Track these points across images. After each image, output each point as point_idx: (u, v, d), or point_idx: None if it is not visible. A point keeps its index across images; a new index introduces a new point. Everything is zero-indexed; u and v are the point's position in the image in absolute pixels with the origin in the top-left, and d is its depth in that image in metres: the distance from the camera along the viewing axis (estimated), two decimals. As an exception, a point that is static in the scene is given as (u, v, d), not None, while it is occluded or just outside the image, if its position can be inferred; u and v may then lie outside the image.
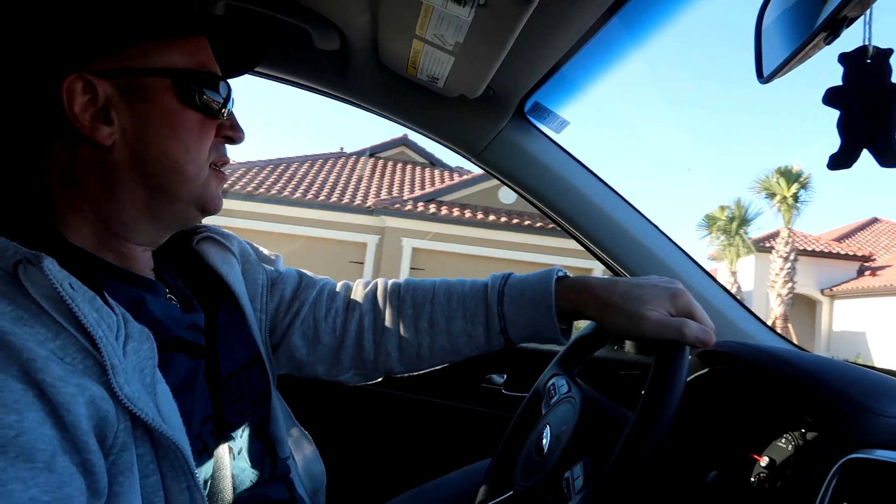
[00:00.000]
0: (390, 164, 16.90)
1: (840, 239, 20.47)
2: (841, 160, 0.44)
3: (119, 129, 0.60)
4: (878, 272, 17.79)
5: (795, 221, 16.58)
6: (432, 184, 15.56)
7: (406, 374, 0.88)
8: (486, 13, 0.81)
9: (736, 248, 16.73)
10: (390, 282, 0.90)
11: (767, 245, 17.82)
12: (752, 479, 0.79)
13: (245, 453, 0.70)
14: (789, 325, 15.77)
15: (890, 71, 0.44)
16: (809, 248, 18.24)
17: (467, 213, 14.04)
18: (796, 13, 0.54)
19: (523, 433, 0.89)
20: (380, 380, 0.91)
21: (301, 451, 0.89)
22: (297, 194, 13.50)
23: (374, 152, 17.09)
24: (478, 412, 1.49)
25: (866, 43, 0.45)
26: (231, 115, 0.70)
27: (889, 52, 0.44)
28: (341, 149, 17.93)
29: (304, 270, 0.94)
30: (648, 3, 0.88)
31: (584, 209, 1.22)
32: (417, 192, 14.67)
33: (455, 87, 1.10)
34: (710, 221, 17.39)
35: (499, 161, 1.23)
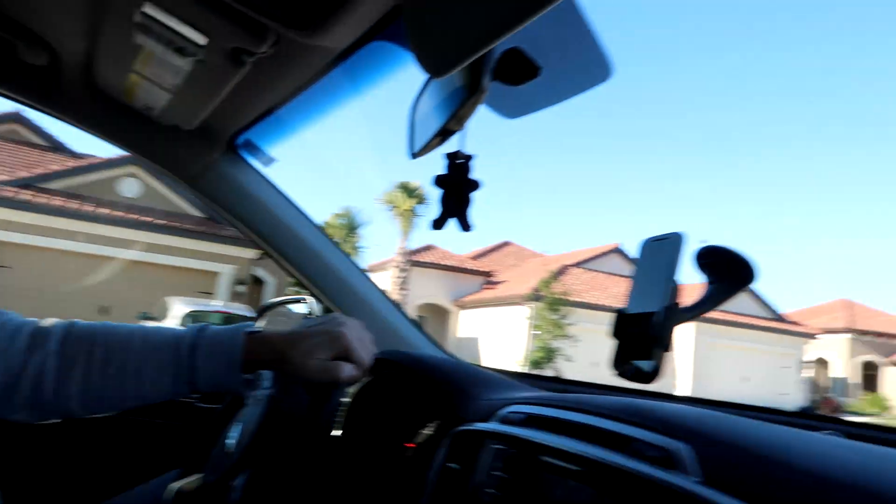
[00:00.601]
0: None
1: (476, 258, 26.10)
2: (438, 223, 0.68)
3: None
4: (495, 286, 22.86)
5: (412, 234, 18.28)
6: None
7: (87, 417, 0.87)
8: (204, 66, 0.92)
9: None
10: (84, 324, 0.89)
11: (416, 259, 21.21)
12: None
13: None
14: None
15: (469, 169, 0.69)
16: (446, 263, 22.94)
17: (75, 205, 12.82)
18: (429, 115, 0.78)
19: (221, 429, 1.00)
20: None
21: None
22: None
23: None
24: (171, 426, 1.53)
25: (459, 149, 0.70)
26: None
27: (470, 156, 0.69)
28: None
29: None
30: (370, 61, 0.96)
31: (287, 238, 1.37)
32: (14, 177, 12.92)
33: (170, 118, 1.18)
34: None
35: (212, 190, 1.33)
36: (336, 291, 1.39)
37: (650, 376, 0.63)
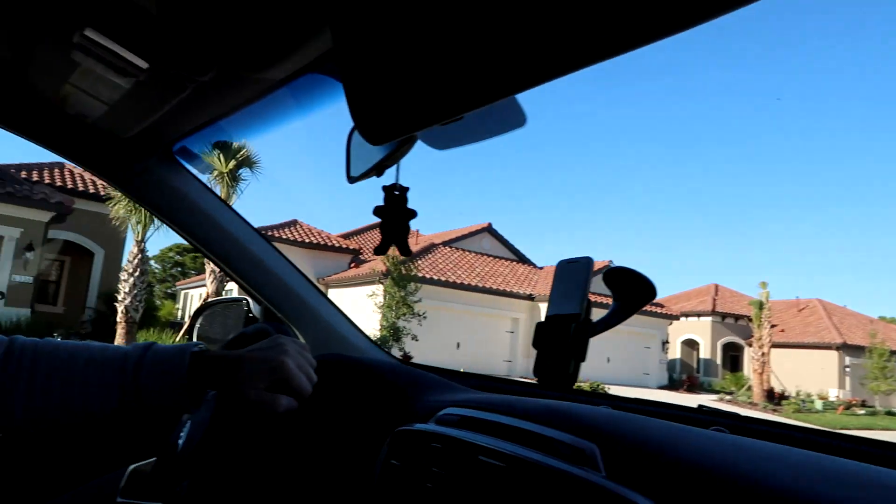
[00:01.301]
0: None
1: (348, 236, 26.05)
2: (380, 249, 0.75)
3: None
4: (360, 265, 22.89)
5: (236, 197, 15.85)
6: None
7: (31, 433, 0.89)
8: (143, 87, 0.95)
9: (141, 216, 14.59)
10: (26, 342, 0.89)
11: (277, 234, 21.14)
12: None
13: None
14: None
15: (406, 200, 0.76)
16: (314, 242, 22.62)
17: None
18: (364, 146, 0.84)
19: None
20: None
21: None
22: None
23: None
24: (121, 425, 1.54)
25: (396, 181, 0.76)
26: None
27: (406, 188, 0.76)
28: None
29: None
30: (307, 91, 0.98)
31: (223, 240, 1.40)
32: None
33: (104, 125, 1.19)
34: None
35: (147, 193, 1.34)
36: (277, 295, 1.44)
37: (567, 382, 0.72)
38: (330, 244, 23.01)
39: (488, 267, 24.59)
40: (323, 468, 1.06)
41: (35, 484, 1.44)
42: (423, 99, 0.48)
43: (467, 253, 24.67)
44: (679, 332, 31.92)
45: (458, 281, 21.83)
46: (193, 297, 31.00)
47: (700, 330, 31.85)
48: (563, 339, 0.73)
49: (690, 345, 32.55)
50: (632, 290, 0.74)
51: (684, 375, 29.80)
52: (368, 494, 0.87)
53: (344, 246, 23.08)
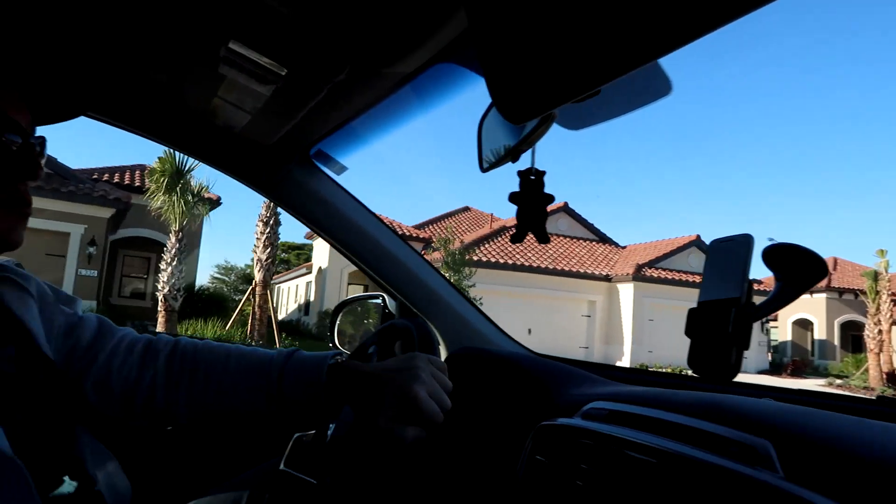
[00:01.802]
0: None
1: (421, 227, 25.64)
2: (517, 237, 0.72)
3: None
4: (430, 254, 22.27)
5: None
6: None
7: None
8: (282, 92, 0.99)
9: (177, 207, 14.35)
10: (189, 342, 0.96)
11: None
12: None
13: (57, 471, 0.78)
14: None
15: (543, 185, 0.73)
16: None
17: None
18: (499, 133, 0.82)
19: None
20: None
21: (104, 468, 0.94)
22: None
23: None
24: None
25: (532, 165, 0.74)
26: (25, 151, 0.76)
27: (543, 173, 0.73)
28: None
29: (105, 318, 0.98)
30: (436, 81, 0.99)
31: (360, 238, 1.45)
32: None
33: (249, 134, 1.26)
34: (151, 176, 14.67)
35: (288, 197, 1.41)
36: (411, 289, 1.46)
37: (728, 373, 0.66)
38: (402, 234, 22.99)
39: (563, 248, 23.63)
40: (464, 463, 1.06)
41: (203, 473, 1.57)
42: (562, 71, 0.45)
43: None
44: (789, 311, 28.73)
45: (529, 264, 21.17)
46: (283, 290, 32.53)
47: (814, 308, 28.24)
48: (721, 325, 0.66)
49: (803, 325, 29.11)
50: (798, 269, 0.66)
51: (789, 357, 26.99)
52: (513, 490, 0.86)
53: (415, 235, 22.97)
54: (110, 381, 0.91)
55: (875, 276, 21.55)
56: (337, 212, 1.43)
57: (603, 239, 25.90)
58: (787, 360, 26.66)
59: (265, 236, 15.37)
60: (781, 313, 28.15)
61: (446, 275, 17.63)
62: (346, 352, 1.70)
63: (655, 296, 21.77)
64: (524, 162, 0.74)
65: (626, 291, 22.05)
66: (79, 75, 1.08)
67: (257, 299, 15.41)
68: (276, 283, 35.64)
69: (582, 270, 22.14)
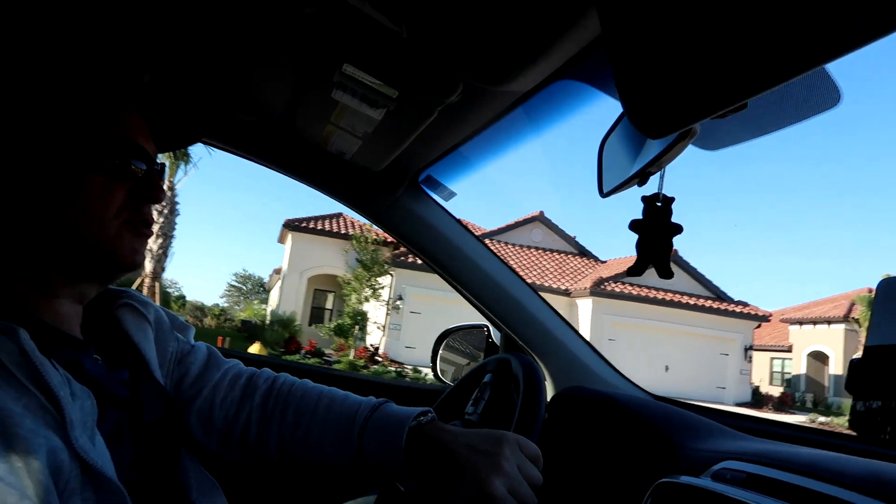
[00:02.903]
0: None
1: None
2: (635, 270, 0.65)
3: (36, 196, 0.69)
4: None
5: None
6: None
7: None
8: (393, 116, 0.98)
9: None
10: (286, 382, 0.95)
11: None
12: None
13: (161, 496, 0.78)
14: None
15: (670, 213, 0.65)
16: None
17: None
18: (623, 155, 0.75)
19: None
20: None
21: (208, 497, 0.93)
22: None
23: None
24: None
25: (659, 191, 0.66)
26: (148, 176, 0.78)
27: (671, 199, 0.65)
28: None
29: (215, 348, 1.00)
30: (552, 100, 0.95)
31: (466, 267, 1.41)
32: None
33: (360, 161, 1.27)
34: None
35: (396, 224, 1.40)
36: (518, 322, 1.39)
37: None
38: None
39: (531, 260, 21.75)
40: None
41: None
42: (707, 80, 0.39)
43: (509, 246, 21.88)
44: (804, 342, 25.90)
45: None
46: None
47: (831, 340, 25.04)
48: (893, 377, 0.55)
49: (819, 358, 25.81)
50: None
51: (810, 394, 23.95)
52: None
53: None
54: (213, 414, 0.92)
55: (870, 303, 18.47)
56: (444, 239, 1.40)
57: (582, 252, 23.97)
58: (800, 395, 24.30)
59: (158, 226, 15.10)
60: (796, 344, 25.90)
61: (359, 272, 17.26)
62: (448, 383, 1.66)
63: (618, 313, 19.62)
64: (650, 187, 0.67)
65: (585, 307, 19.82)
66: (198, 102, 1.13)
67: (145, 290, 15.19)
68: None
69: (545, 284, 20.02)
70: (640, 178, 0.68)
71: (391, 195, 1.36)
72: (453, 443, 0.77)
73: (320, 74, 0.92)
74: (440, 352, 1.74)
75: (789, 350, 26.50)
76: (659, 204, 0.65)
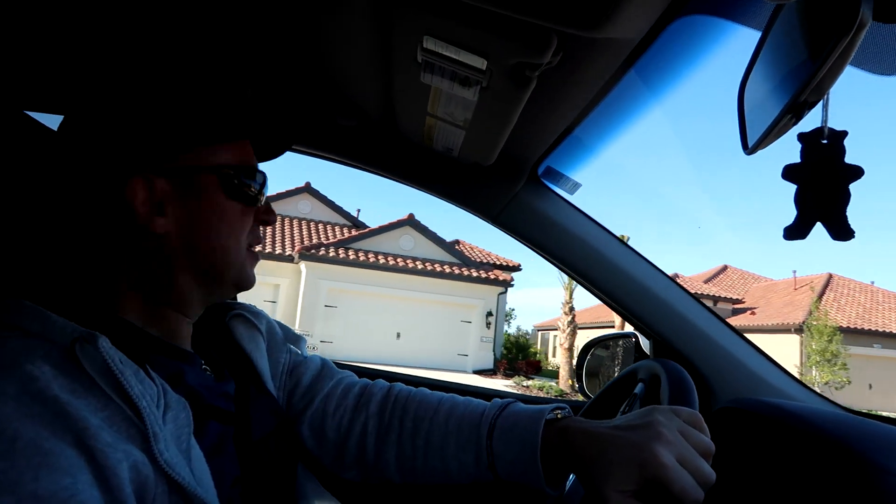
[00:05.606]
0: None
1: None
2: (795, 232, 0.46)
3: (172, 219, 0.68)
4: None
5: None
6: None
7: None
8: (489, 93, 0.86)
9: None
10: (403, 389, 0.89)
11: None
12: None
13: None
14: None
15: (843, 151, 0.46)
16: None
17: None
18: (769, 91, 0.57)
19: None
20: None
21: None
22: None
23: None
24: None
25: (823, 124, 0.48)
26: (266, 200, 0.78)
27: (843, 133, 0.47)
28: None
29: (328, 360, 0.96)
30: (664, 55, 0.82)
31: (600, 266, 1.24)
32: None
33: (468, 156, 1.16)
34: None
35: (515, 223, 1.27)
36: (670, 327, 1.19)
37: None
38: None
39: (291, 231, 20.67)
40: None
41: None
42: None
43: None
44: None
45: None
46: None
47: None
48: None
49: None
50: None
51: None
52: None
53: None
54: (325, 425, 0.87)
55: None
56: (574, 237, 1.24)
57: (355, 222, 22.79)
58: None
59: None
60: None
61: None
62: (589, 395, 1.49)
63: (336, 278, 18.63)
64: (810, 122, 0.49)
65: (304, 273, 18.82)
66: (296, 110, 1.10)
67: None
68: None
69: (266, 251, 18.95)
70: (794, 112, 0.50)
71: (508, 192, 1.24)
72: (599, 428, 0.66)
73: (403, 53, 0.84)
74: (585, 364, 1.57)
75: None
76: (825, 141, 0.47)
